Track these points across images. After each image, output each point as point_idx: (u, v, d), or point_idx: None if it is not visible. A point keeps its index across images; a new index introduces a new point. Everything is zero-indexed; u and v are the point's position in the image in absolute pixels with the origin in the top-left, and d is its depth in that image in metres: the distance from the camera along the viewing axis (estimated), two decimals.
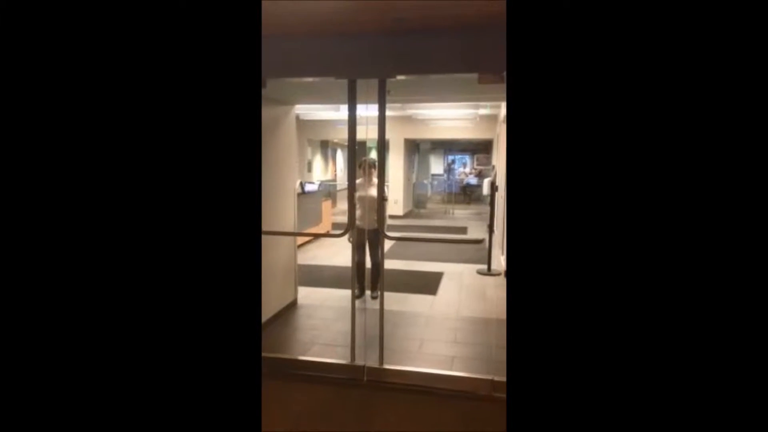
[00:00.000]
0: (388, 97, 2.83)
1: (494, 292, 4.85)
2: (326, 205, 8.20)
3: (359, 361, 3.09)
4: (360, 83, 2.85)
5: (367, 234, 4.23)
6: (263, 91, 3.31)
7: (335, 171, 16.21)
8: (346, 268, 3.51)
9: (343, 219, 3.41)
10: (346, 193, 3.52)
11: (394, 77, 2.74)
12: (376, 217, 3.58)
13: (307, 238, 6.95)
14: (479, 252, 6.10)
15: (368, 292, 4.55)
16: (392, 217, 9.87)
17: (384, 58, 2.68)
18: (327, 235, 6.81)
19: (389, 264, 3.35)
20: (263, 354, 3.18)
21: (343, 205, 10.54)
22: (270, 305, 3.92)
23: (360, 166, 4.24)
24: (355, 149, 3.01)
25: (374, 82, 2.78)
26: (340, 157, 16.50)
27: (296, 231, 4.64)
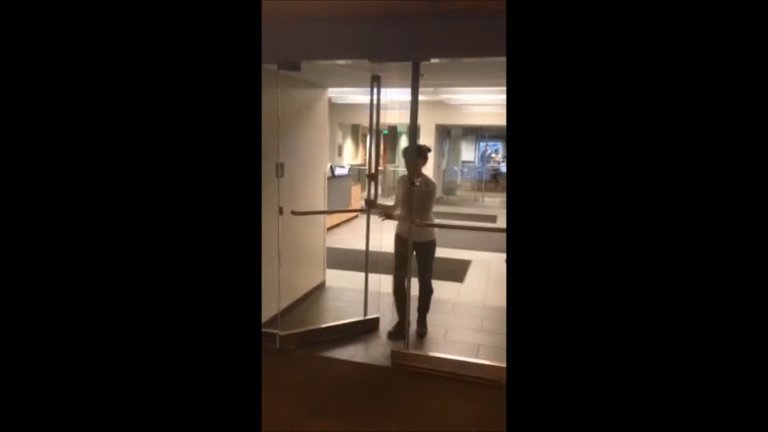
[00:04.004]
0: (421, 81, 2.79)
1: None
2: (355, 189, 8.24)
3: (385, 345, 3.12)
4: (393, 66, 2.82)
5: (415, 247, 3.10)
6: (297, 74, 3.32)
7: (365, 155, 16.22)
8: (374, 252, 3.53)
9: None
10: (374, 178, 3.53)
11: (429, 60, 2.69)
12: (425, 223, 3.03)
13: (335, 222, 7.03)
14: None
15: (412, 327, 3.26)
16: None
17: (418, 41, 2.64)
18: (348, 210, 7.17)
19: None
20: (292, 331, 3.25)
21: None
22: (299, 286, 4.00)
23: (406, 155, 3.11)
24: (379, 131, 3.04)
25: (407, 66, 2.74)
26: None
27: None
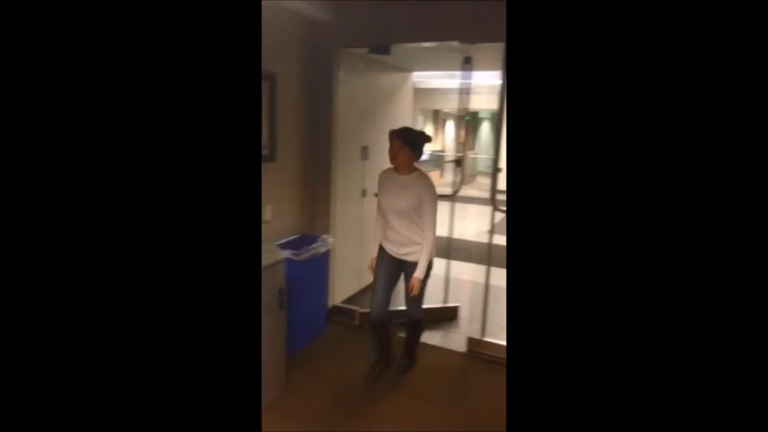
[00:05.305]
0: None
1: None
2: (434, 175, 8.22)
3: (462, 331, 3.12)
4: (482, 48, 2.75)
5: (403, 267, 2.51)
6: (385, 58, 3.36)
7: (444, 142, 16.04)
8: (454, 239, 3.52)
9: (448, 191, 3.41)
10: (452, 165, 3.50)
11: None
12: (409, 237, 2.41)
13: None
14: None
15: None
16: (500, 192, 9.54)
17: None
18: None
19: (498, 239, 3.29)
20: (365, 310, 3.36)
21: (449, 176, 10.45)
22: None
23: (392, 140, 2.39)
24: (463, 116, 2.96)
25: (497, 47, 2.66)
26: (450, 128, 16.26)
27: None
